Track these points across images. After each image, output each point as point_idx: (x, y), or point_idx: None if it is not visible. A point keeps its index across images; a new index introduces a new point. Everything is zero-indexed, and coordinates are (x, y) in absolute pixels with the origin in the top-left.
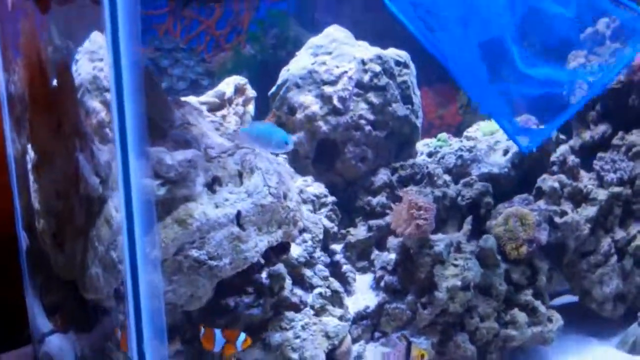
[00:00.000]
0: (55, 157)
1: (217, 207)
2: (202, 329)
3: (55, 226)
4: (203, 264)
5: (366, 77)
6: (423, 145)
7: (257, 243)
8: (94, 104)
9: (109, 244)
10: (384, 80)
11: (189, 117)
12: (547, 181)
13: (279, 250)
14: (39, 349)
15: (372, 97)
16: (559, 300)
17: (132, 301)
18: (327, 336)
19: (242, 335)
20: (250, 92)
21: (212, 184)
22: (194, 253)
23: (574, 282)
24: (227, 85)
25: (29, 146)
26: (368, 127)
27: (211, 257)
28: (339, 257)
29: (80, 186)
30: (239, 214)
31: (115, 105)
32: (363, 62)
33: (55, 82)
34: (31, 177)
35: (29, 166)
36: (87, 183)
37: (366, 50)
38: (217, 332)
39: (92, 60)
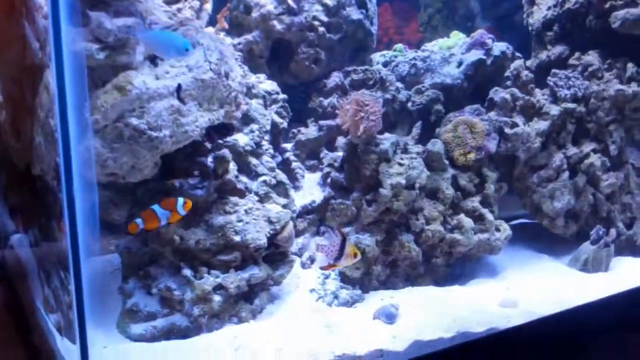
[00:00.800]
0: (8, 37)
1: (157, 78)
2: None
3: (12, 112)
4: (143, 133)
5: None
6: (380, 56)
7: (198, 118)
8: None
9: (48, 110)
10: None
11: None
12: (499, 93)
13: (222, 132)
14: (4, 245)
15: None
16: (512, 223)
17: (63, 167)
18: (270, 221)
19: (180, 200)
20: None
21: (154, 58)
22: (134, 121)
23: (525, 198)
24: None
25: None
26: (322, 29)
27: (151, 127)
28: (288, 154)
29: (27, 55)
30: (179, 87)
31: None
32: None
33: None
34: None
35: None
36: (30, 49)
37: None
38: (156, 207)
39: None
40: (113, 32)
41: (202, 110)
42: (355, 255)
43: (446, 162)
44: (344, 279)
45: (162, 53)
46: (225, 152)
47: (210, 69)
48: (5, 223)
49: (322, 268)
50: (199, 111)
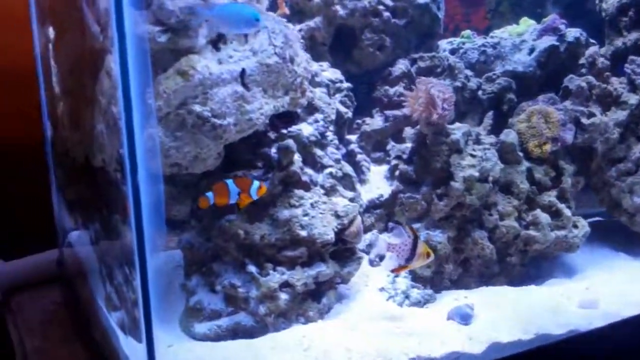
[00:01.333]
0: (68, 24)
1: (220, 63)
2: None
3: (71, 104)
4: (206, 120)
5: None
6: (446, 43)
7: (263, 105)
8: None
9: (110, 97)
10: None
11: None
12: (575, 81)
13: (286, 120)
14: (63, 243)
15: None
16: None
17: (128, 157)
18: (337, 215)
19: (256, 183)
20: None
21: (217, 42)
22: (197, 108)
23: (602, 192)
24: None
25: (50, 28)
26: (387, 14)
27: (215, 114)
28: (353, 146)
29: (86, 39)
30: (243, 72)
31: None
32: None
33: None
34: (52, 63)
35: (51, 54)
36: (90, 33)
37: None
38: (229, 182)
39: None
40: (175, 13)
41: (266, 96)
42: (428, 255)
43: (520, 154)
44: (415, 277)
45: (232, 27)
46: (290, 142)
47: (275, 53)
48: (64, 220)
49: (393, 270)
50: (263, 98)
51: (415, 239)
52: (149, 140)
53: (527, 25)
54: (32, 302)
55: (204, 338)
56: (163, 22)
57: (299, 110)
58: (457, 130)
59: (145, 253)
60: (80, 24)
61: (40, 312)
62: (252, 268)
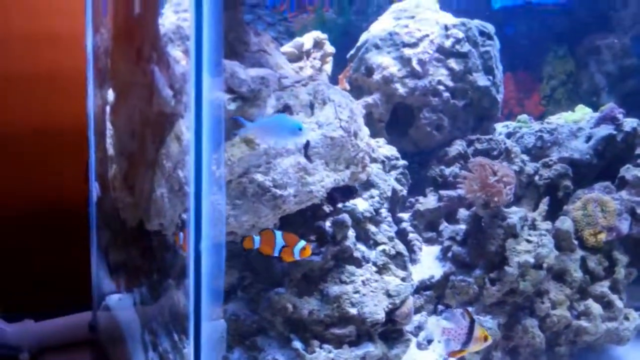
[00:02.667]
0: (132, 88)
1: None
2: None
3: (127, 167)
4: (267, 190)
5: (448, 43)
6: (502, 127)
7: (324, 178)
8: (176, 53)
9: (177, 162)
10: (466, 47)
11: (266, 46)
12: (631, 171)
13: (344, 194)
14: (98, 306)
15: (453, 63)
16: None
17: (193, 222)
18: (388, 294)
19: (302, 242)
20: (329, 48)
21: (283, 112)
22: (259, 177)
23: None
24: (307, 38)
25: (109, 91)
26: (446, 94)
27: (276, 184)
28: (405, 224)
29: (154, 103)
30: (307, 143)
31: (194, 18)
32: (446, 28)
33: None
34: (108, 125)
35: (108, 116)
36: (160, 97)
37: (450, 17)
38: (278, 233)
39: (176, 12)
40: (247, 82)
41: (328, 169)
42: (485, 339)
43: (575, 242)
44: None
45: (278, 137)
46: (345, 216)
47: (341, 127)
48: (102, 283)
49: (449, 355)
50: (325, 170)
51: (472, 322)
52: (210, 208)
53: (583, 112)
54: None
55: None
56: (234, 90)
57: (356, 185)
58: (514, 215)
59: (201, 321)
60: (147, 88)
61: None
62: (297, 344)
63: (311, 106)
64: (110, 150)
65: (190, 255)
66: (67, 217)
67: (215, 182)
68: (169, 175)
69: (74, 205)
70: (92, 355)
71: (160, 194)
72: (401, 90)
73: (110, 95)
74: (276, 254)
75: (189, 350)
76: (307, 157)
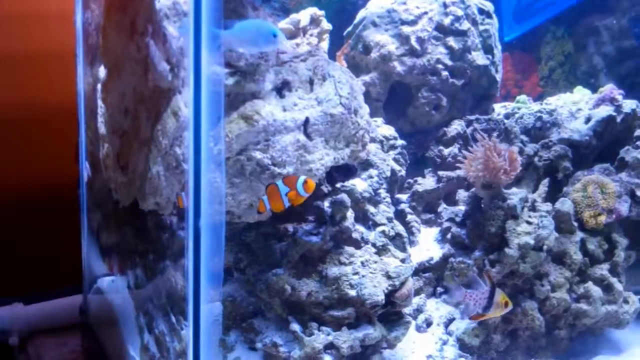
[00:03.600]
0: (125, 63)
1: (284, 110)
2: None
3: (120, 146)
4: (266, 168)
5: (447, 20)
6: (500, 107)
7: (323, 156)
8: (172, 29)
9: (174, 139)
10: (465, 25)
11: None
12: (631, 152)
13: (344, 173)
14: (89, 289)
15: (452, 41)
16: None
17: (192, 200)
18: (388, 276)
19: (301, 178)
20: (326, 25)
21: (282, 89)
22: (258, 155)
23: None
24: (303, 14)
25: (100, 68)
26: (445, 73)
27: (275, 162)
28: (404, 206)
29: (149, 78)
30: (307, 120)
31: None
32: (445, 5)
33: None
34: (100, 103)
35: (99, 94)
36: (156, 71)
37: None
38: (279, 183)
39: None
40: (245, 56)
41: (328, 147)
42: (506, 305)
43: (575, 224)
44: (462, 346)
45: (250, 45)
46: (344, 197)
47: (341, 104)
48: (92, 265)
49: (471, 318)
50: (325, 148)
51: (493, 287)
52: (211, 185)
53: (582, 94)
54: (50, 348)
55: None
56: (232, 64)
57: (356, 164)
58: (514, 196)
59: (200, 302)
60: (141, 63)
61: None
62: (295, 326)
63: (310, 82)
64: (102, 129)
65: (189, 233)
66: (57, 198)
67: (214, 160)
68: (165, 153)
69: (64, 185)
70: (82, 338)
71: (156, 172)
72: (399, 68)
73: (102, 72)
74: (287, 205)
75: (188, 331)
76: (306, 134)
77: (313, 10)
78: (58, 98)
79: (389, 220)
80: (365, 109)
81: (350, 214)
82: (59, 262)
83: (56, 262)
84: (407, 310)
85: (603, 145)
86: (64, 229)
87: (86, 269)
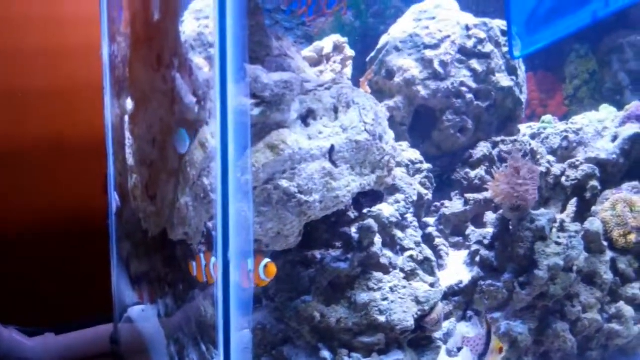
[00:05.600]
0: (152, 96)
1: (310, 138)
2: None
3: (148, 176)
4: (293, 197)
5: (470, 43)
6: (526, 128)
7: (350, 183)
8: (198, 60)
9: (202, 169)
10: (488, 47)
11: (287, 51)
12: None
13: (371, 199)
14: (119, 318)
15: (475, 64)
16: None
17: (221, 231)
18: (417, 301)
19: (265, 261)
20: (349, 52)
21: (307, 117)
22: (285, 184)
23: None
24: (326, 42)
25: (128, 100)
26: (469, 96)
27: (301, 190)
28: (431, 229)
29: (176, 110)
30: (332, 148)
31: (217, 23)
32: (467, 28)
33: (156, 15)
34: (127, 135)
35: (126, 126)
36: (182, 104)
37: (471, 17)
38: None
39: (197, 19)
40: (270, 86)
41: (354, 174)
42: (500, 351)
43: (604, 243)
44: None
45: None
46: (371, 222)
47: (366, 130)
48: (123, 295)
49: None
50: (350, 175)
51: (489, 332)
52: (239, 214)
53: (608, 112)
54: None
55: None
56: (257, 95)
57: (382, 190)
58: (542, 217)
59: (230, 330)
60: (168, 95)
61: None
62: (325, 354)
63: (335, 110)
64: (130, 160)
65: (219, 263)
66: (87, 229)
67: (241, 189)
68: (193, 184)
69: (94, 217)
70: None
71: (184, 202)
72: (423, 92)
73: (129, 104)
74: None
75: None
76: (332, 161)
77: (336, 38)
78: (86, 131)
79: (417, 244)
80: (390, 135)
81: (377, 239)
82: (90, 292)
83: (87, 292)
84: (437, 334)
85: (631, 163)
86: (95, 259)
87: (116, 298)
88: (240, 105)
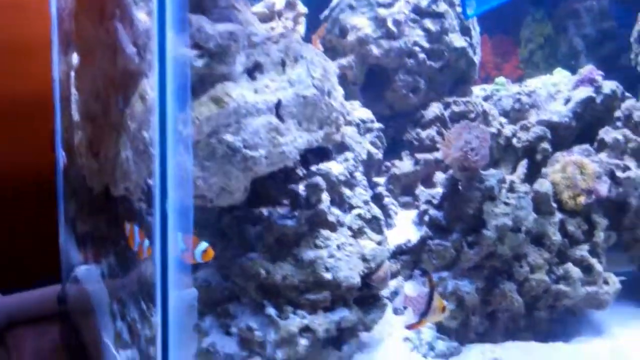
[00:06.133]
0: (96, 49)
1: (256, 92)
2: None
3: (92, 132)
4: (237, 151)
5: (424, 2)
6: (480, 90)
7: (296, 138)
8: (140, 15)
9: (142, 122)
10: (442, 6)
11: (235, 3)
12: (611, 133)
13: (319, 156)
14: (66, 278)
15: (429, 23)
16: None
17: (159, 183)
18: (364, 259)
19: (203, 245)
20: (302, 8)
21: (253, 71)
22: (229, 138)
23: (633, 250)
24: None
25: (74, 54)
26: (422, 55)
27: (247, 145)
28: (381, 189)
29: (118, 62)
30: (279, 103)
31: None
32: None
33: None
34: (73, 90)
35: (72, 81)
36: (124, 54)
37: None
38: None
39: None
40: (214, 37)
41: (301, 130)
42: (443, 310)
43: (554, 205)
44: (440, 328)
45: None
46: (319, 180)
47: (313, 85)
48: (70, 254)
49: (408, 327)
50: (297, 131)
51: (432, 291)
52: (177, 169)
53: (562, 75)
54: (29, 339)
55: None
56: (200, 46)
57: (330, 147)
58: (492, 177)
59: (168, 288)
60: (110, 46)
61: (38, 350)
62: (271, 310)
63: (283, 64)
64: (76, 116)
65: (156, 216)
66: (35, 188)
67: (182, 142)
68: (134, 137)
69: (42, 175)
70: (61, 328)
71: (125, 156)
72: (376, 51)
73: (75, 58)
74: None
75: (157, 318)
76: (278, 116)
77: None
78: (36, 87)
79: (366, 203)
80: (339, 91)
81: (325, 197)
82: (39, 252)
83: (36, 252)
84: (384, 293)
85: (582, 127)
86: (43, 219)
87: (64, 258)
88: (180, 55)
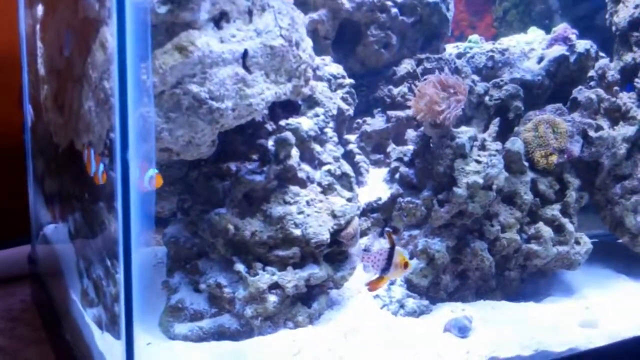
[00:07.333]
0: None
1: (222, 41)
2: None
3: (57, 85)
4: (203, 102)
5: None
6: (452, 47)
7: (264, 90)
8: None
9: (102, 72)
10: None
11: None
12: (584, 92)
13: (287, 110)
14: (36, 238)
15: None
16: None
17: (119, 133)
18: (334, 215)
19: (152, 171)
20: None
21: (219, 20)
22: (194, 88)
23: (605, 210)
24: None
25: (39, 7)
26: (394, 10)
27: (213, 96)
28: (352, 146)
29: (79, 9)
30: (245, 53)
31: None
32: None
33: None
34: (39, 44)
35: (38, 34)
36: (84, 3)
37: None
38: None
39: None
40: None
41: (268, 81)
42: (405, 266)
43: (525, 164)
44: (411, 286)
45: None
46: (288, 135)
47: (281, 35)
48: (39, 213)
49: (367, 285)
50: (265, 82)
51: (392, 247)
52: (141, 120)
53: (536, 34)
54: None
55: (184, 340)
56: None
57: (299, 101)
58: (463, 134)
59: (130, 243)
60: None
61: (8, 311)
62: (240, 267)
63: (249, 13)
64: (42, 70)
65: (117, 167)
66: (4, 146)
67: (145, 93)
68: (95, 87)
69: (9, 132)
70: (32, 288)
71: (87, 107)
72: (347, 5)
73: (40, 11)
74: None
75: (120, 275)
76: (245, 67)
77: None
78: (1, 43)
79: (336, 159)
80: (307, 42)
81: (295, 152)
82: (9, 212)
83: (5, 212)
84: (353, 249)
85: (556, 85)
86: (12, 178)
87: (33, 217)
88: (140, 2)
